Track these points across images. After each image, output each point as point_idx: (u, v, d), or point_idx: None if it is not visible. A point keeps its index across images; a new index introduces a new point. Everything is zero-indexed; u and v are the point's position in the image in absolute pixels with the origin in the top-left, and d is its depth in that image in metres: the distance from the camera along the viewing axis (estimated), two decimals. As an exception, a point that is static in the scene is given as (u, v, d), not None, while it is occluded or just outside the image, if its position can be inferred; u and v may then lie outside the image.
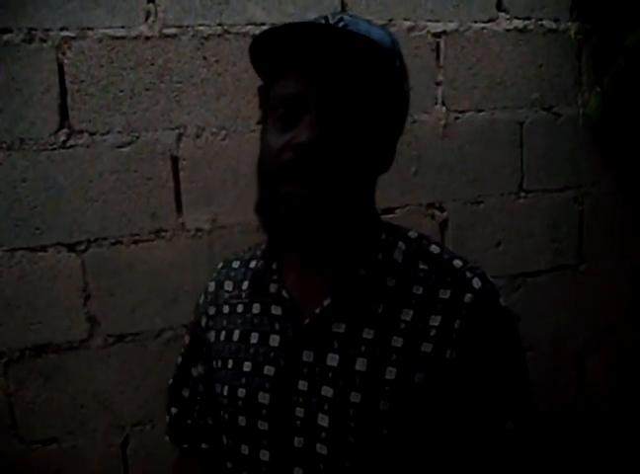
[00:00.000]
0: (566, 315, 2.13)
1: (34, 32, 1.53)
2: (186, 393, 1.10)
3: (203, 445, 1.08)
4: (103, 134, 1.61)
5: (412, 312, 0.89)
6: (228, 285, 1.05)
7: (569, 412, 2.16)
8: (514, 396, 0.91)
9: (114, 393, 1.67)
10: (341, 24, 0.87)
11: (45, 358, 1.61)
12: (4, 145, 1.54)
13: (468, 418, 0.89)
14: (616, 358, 2.23)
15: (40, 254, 1.59)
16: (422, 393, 0.87)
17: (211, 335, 1.04)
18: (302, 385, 0.91)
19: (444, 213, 1.95)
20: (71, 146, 1.59)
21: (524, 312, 2.03)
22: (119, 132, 1.62)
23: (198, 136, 1.69)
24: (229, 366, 0.99)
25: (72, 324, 1.62)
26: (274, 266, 0.98)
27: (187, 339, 1.14)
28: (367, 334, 0.89)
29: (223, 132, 1.71)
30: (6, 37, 1.52)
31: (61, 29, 1.56)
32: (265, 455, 0.94)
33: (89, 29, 1.58)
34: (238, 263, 1.08)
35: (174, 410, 1.12)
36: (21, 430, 1.61)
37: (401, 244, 0.95)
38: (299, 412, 0.91)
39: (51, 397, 1.62)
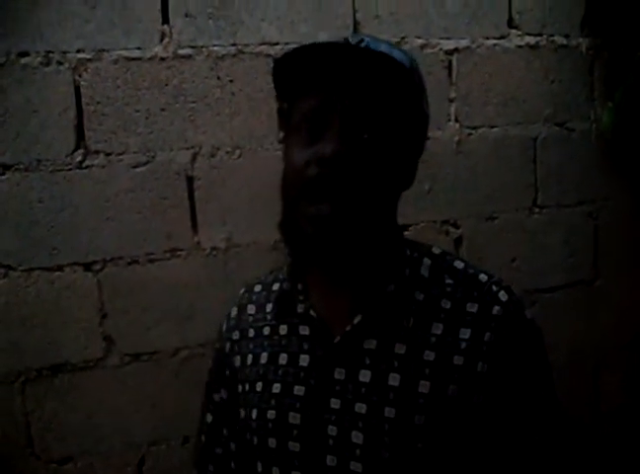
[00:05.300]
0: (582, 331, 2.12)
1: (51, 54, 1.56)
2: (209, 419, 1.10)
3: None
4: (118, 154, 1.63)
5: (442, 326, 0.90)
6: (251, 309, 1.05)
7: (585, 427, 2.14)
8: (543, 408, 0.91)
9: (130, 412, 1.67)
10: (362, 44, 0.89)
11: (62, 378, 1.61)
12: (21, 166, 1.56)
13: (499, 430, 0.90)
14: (633, 374, 2.22)
15: (57, 273, 1.60)
16: (455, 406, 0.87)
17: (237, 360, 1.04)
18: (334, 403, 0.91)
19: (459, 230, 1.95)
20: (87, 167, 1.61)
21: (540, 328, 2.03)
22: (134, 152, 1.64)
23: (212, 156, 1.70)
24: (258, 389, 0.98)
25: (88, 343, 1.63)
26: (299, 286, 0.98)
27: (211, 365, 1.13)
28: (399, 349, 0.90)
29: (238, 151, 1.72)
30: (24, 60, 1.54)
31: (78, 51, 1.58)
32: None
33: (105, 50, 1.60)
34: (260, 286, 1.08)
35: (203, 438, 1.11)
36: (37, 449, 1.61)
37: (426, 260, 0.96)
38: (332, 430, 0.90)
39: (68, 416, 1.62)
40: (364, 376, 0.90)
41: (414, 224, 1.88)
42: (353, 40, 0.89)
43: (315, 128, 0.87)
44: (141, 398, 1.67)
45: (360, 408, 0.89)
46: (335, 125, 0.86)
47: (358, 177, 0.85)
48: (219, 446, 1.08)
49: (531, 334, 0.93)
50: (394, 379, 0.88)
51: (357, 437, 0.88)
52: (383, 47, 0.89)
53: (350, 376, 0.91)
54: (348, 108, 0.86)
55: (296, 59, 0.88)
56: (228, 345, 1.06)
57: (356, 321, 0.91)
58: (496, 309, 0.89)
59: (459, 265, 0.96)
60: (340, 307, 0.93)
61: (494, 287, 0.92)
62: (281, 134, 1.00)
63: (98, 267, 1.63)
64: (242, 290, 1.11)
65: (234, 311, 1.08)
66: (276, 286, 1.03)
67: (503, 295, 0.91)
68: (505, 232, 2.00)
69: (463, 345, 0.88)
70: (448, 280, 0.93)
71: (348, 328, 0.92)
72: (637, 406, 2.23)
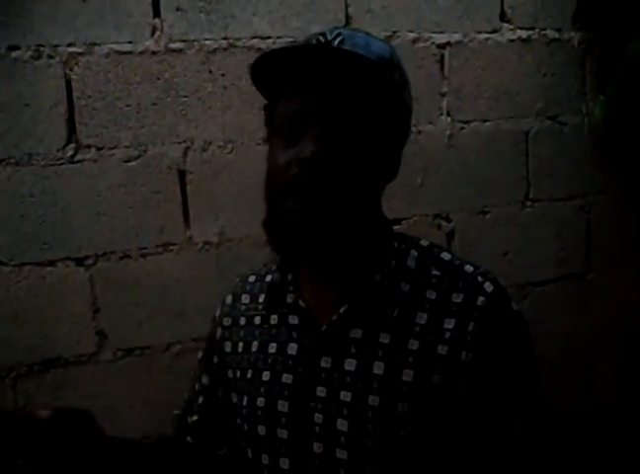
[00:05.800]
0: (574, 324, 2.13)
1: (42, 48, 1.55)
2: (200, 400, 1.11)
3: (188, 438, 1.09)
4: (110, 149, 1.62)
5: (426, 316, 0.91)
6: (245, 298, 1.07)
7: (577, 421, 2.15)
8: (524, 399, 0.92)
9: (122, 407, 1.67)
10: (337, 40, 0.89)
11: (54, 373, 1.61)
12: (12, 161, 1.55)
13: (480, 420, 0.90)
14: (625, 367, 2.23)
15: (49, 268, 1.60)
16: (439, 395, 0.89)
17: (227, 345, 1.06)
18: (320, 391, 0.92)
19: (451, 224, 1.96)
20: (79, 161, 1.60)
21: (532, 321, 2.03)
22: (126, 147, 1.63)
23: (204, 150, 1.70)
24: (248, 377, 1.00)
25: (81, 338, 1.63)
26: (289, 277, 1.00)
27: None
28: (384, 338, 0.91)
29: (230, 146, 1.72)
30: (15, 53, 1.53)
31: (69, 44, 1.57)
32: (285, 463, 0.95)
33: (96, 44, 1.59)
34: (254, 277, 1.10)
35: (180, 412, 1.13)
36: (30, 445, 1.60)
37: (413, 251, 0.97)
38: (318, 418, 0.92)
39: (60, 412, 1.62)
40: (350, 365, 0.91)
41: (406, 218, 1.88)
42: (329, 36, 0.90)
43: (295, 130, 0.89)
44: (134, 393, 1.67)
45: (345, 396, 0.90)
46: (314, 127, 0.87)
47: (337, 176, 0.87)
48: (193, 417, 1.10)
49: (516, 325, 0.93)
50: (379, 368, 0.90)
51: (342, 425, 0.90)
52: (360, 42, 0.90)
53: (335, 365, 0.92)
54: (325, 109, 0.87)
55: (273, 60, 0.89)
56: (219, 330, 1.08)
57: (342, 310, 0.93)
58: (480, 300, 0.90)
59: (446, 256, 0.97)
60: (327, 297, 0.95)
61: (479, 278, 0.93)
62: (266, 131, 1.01)
63: (90, 261, 1.63)
64: (237, 281, 1.13)
65: (229, 298, 1.10)
66: (268, 278, 1.05)
67: (488, 286, 0.92)
68: (497, 226, 2.01)
69: (447, 334, 0.89)
70: (435, 272, 0.94)
71: (334, 317, 0.93)
72: (630, 397, 2.24)
